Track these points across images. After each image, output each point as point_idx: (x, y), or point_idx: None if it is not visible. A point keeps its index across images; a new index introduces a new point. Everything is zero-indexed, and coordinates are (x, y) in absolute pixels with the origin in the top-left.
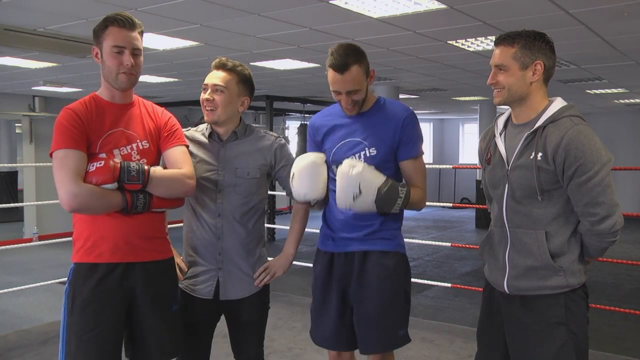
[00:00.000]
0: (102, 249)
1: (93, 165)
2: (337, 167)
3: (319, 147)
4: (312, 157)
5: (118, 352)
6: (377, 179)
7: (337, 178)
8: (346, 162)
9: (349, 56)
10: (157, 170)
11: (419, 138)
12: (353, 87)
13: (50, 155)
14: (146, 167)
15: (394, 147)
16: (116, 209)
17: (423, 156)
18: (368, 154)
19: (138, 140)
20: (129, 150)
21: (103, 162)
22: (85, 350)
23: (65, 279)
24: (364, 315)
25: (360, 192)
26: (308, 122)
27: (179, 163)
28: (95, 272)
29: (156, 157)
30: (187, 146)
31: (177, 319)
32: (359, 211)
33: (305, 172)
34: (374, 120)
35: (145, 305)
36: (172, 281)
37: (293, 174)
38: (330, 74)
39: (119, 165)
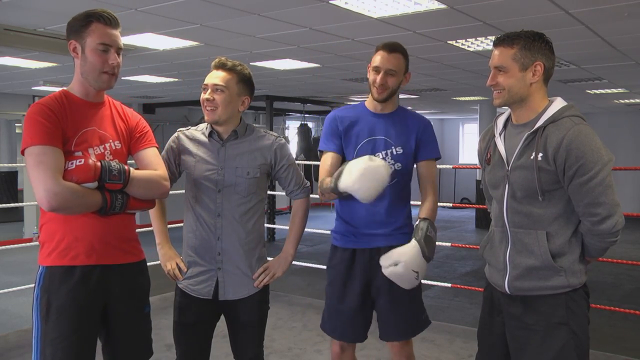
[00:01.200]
0: (77, 250)
1: (72, 163)
2: None
3: (340, 137)
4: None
5: (92, 356)
6: (415, 252)
7: (393, 278)
8: (387, 266)
9: (400, 46)
10: (135, 171)
11: (435, 144)
12: (393, 67)
13: (22, 152)
14: (126, 167)
15: (415, 148)
16: (95, 209)
17: (437, 162)
18: (395, 152)
19: (111, 141)
20: (102, 150)
21: (83, 160)
22: (61, 358)
23: None
24: (396, 304)
25: (417, 274)
26: (328, 115)
27: (153, 165)
28: (71, 276)
29: (126, 159)
30: (158, 148)
31: (149, 320)
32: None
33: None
34: (398, 121)
35: (121, 308)
36: (145, 283)
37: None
38: (379, 54)
39: (99, 164)
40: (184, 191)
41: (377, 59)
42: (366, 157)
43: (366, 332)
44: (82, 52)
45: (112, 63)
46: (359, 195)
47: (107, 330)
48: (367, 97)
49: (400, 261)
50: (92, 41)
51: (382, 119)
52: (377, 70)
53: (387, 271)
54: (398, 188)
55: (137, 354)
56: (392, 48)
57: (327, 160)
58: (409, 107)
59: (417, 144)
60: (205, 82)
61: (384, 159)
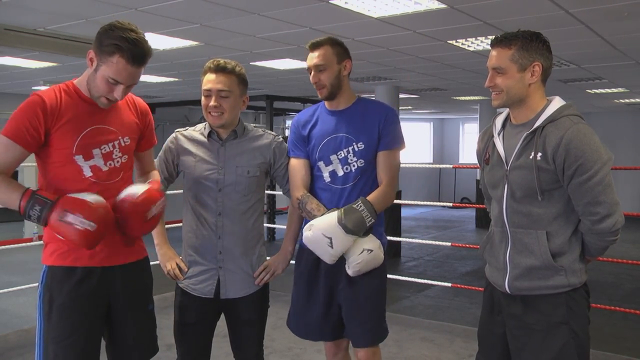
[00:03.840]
0: (79, 253)
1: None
2: (324, 164)
3: (304, 141)
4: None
5: (97, 355)
6: (330, 218)
7: (308, 245)
8: (304, 231)
9: (324, 39)
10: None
11: (397, 133)
12: (319, 62)
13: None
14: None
15: (379, 140)
16: (12, 207)
17: (399, 152)
18: (357, 149)
19: (120, 137)
20: (111, 149)
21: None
22: (64, 357)
23: None
24: (357, 311)
25: (330, 238)
26: (292, 120)
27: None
28: (73, 275)
29: (132, 153)
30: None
31: (153, 318)
32: (344, 251)
33: (373, 263)
34: (358, 115)
35: (123, 306)
36: (148, 281)
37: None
38: (308, 56)
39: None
40: (182, 191)
41: (307, 60)
42: (373, 251)
43: (335, 331)
44: (94, 70)
45: (115, 96)
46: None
47: (111, 329)
48: (366, 96)
49: (312, 225)
50: (107, 70)
51: (341, 115)
52: (309, 71)
53: (303, 237)
54: (361, 186)
55: (142, 351)
56: (315, 45)
57: (298, 168)
58: (409, 107)
59: (380, 136)
60: (208, 87)
61: (345, 157)
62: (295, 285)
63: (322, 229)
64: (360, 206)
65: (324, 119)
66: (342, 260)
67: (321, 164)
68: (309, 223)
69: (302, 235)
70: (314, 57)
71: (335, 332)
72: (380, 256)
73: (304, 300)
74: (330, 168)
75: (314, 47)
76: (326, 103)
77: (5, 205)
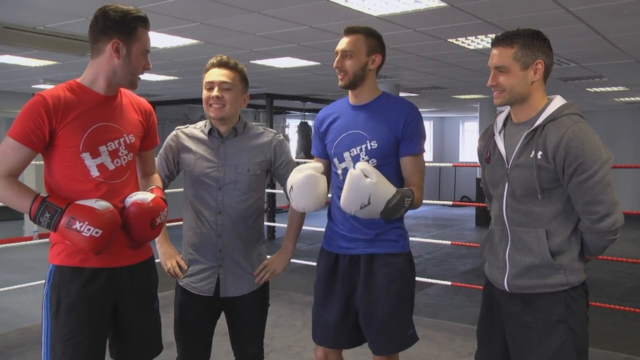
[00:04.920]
0: (87, 253)
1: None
2: (338, 161)
3: (322, 139)
4: (309, 171)
5: (103, 354)
6: (388, 192)
7: (347, 182)
8: (359, 167)
9: (361, 26)
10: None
11: (421, 135)
12: (349, 48)
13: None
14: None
15: (396, 141)
16: (24, 212)
17: (424, 154)
18: (369, 147)
19: (125, 135)
20: (117, 146)
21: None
22: (71, 356)
23: None
24: (374, 318)
25: (369, 203)
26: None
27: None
28: (81, 275)
29: (137, 151)
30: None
31: (159, 316)
32: (360, 217)
33: (303, 186)
34: (377, 112)
35: (130, 305)
36: (153, 280)
37: (291, 187)
38: (341, 39)
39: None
40: (182, 189)
41: (339, 44)
42: (293, 172)
43: (352, 339)
44: (126, 54)
45: (148, 67)
46: (308, 210)
47: (116, 328)
48: None
49: (372, 175)
50: (140, 46)
51: (360, 111)
52: (336, 54)
53: (354, 171)
54: None
55: (147, 349)
56: (351, 30)
57: None
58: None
59: (399, 138)
60: (210, 79)
61: (357, 155)
62: (314, 287)
63: (374, 193)
64: (407, 203)
65: (345, 114)
66: (359, 263)
67: (335, 160)
68: (371, 170)
69: (324, 236)
70: (344, 42)
71: (352, 340)
72: (312, 175)
73: (320, 303)
74: (343, 165)
75: (349, 32)
76: (350, 97)
77: (17, 209)
